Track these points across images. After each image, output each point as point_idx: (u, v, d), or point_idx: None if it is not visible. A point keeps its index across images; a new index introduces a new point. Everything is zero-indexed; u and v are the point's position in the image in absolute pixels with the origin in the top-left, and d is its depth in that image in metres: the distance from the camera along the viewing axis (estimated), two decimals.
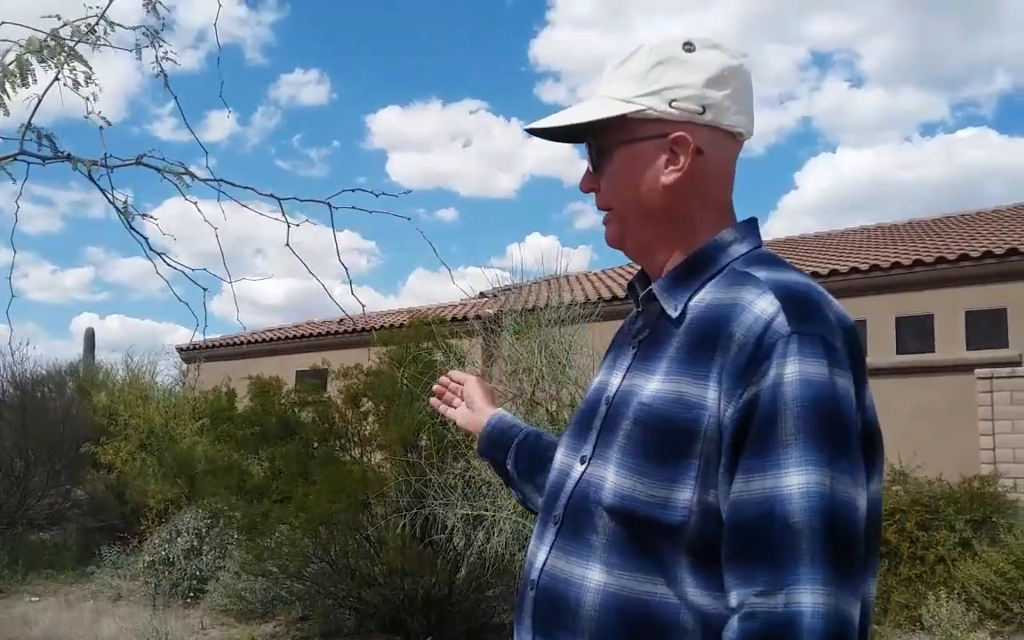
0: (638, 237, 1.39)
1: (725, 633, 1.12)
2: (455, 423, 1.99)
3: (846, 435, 1.14)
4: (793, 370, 1.13)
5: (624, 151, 1.35)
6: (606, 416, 1.33)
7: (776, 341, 1.15)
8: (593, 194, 1.42)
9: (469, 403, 1.93)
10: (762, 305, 1.19)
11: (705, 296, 1.28)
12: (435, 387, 2.02)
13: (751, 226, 1.37)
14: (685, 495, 1.17)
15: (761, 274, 1.25)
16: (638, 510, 1.20)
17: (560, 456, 1.42)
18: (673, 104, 1.30)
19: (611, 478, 1.25)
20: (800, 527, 1.09)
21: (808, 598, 1.07)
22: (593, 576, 1.24)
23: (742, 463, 1.14)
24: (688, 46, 1.32)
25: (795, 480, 1.10)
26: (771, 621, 1.08)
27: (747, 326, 1.18)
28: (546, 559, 1.32)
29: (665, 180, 1.31)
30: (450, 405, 1.98)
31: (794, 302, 1.19)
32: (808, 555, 1.08)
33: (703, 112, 1.30)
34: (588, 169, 1.41)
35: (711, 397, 1.18)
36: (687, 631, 1.17)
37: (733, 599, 1.13)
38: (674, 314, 1.30)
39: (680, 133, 1.30)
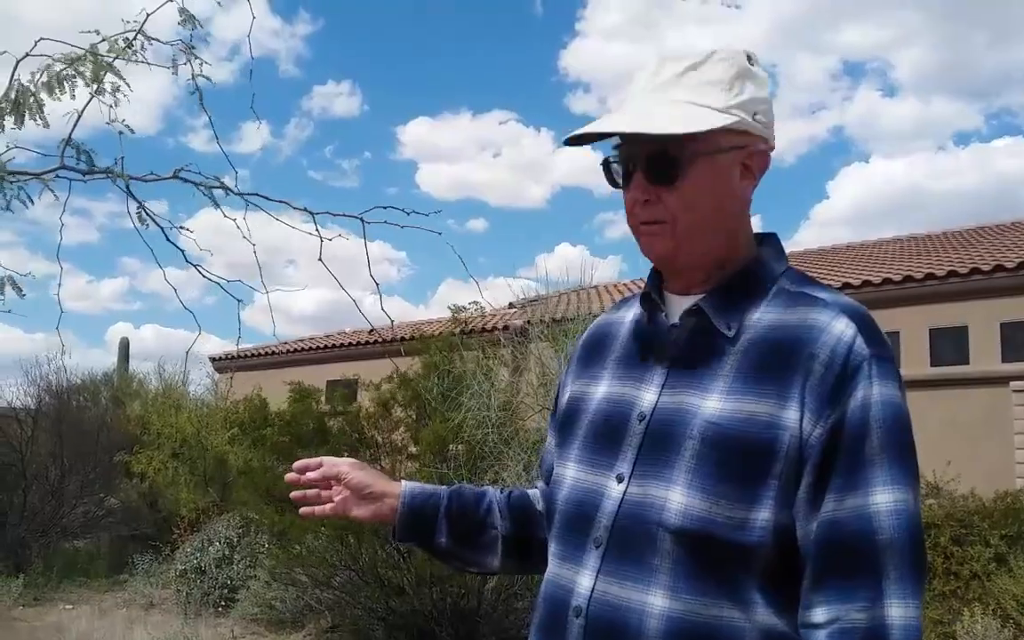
0: (699, 250, 1.32)
1: None
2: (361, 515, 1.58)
3: (914, 454, 1.20)
4: (878, 392, 1.17)
5: (706, 162, 1.28)
6: (647, 433, 1.28)
7: (861, 363, 1.18)
8: (637, 204, 1.32)
9: (360, 490, 1.57)
10: (839, 327, 1.21)
11: (763, 316, 1.27)
12: (290, 479, 1.61)
13: (779, 243, 1.38)
14: (763, 515, 1.17)
15: (823, 295, 1.27)
16: (715, 532, 1.18)
17: (575, 472, 1.36)
18: (756, 118, 1.29)
19: (679, 499, 1.20)
20: (891, 544, 1.14)
21: (898, 611, 1.13)
22: (656, 601, 1.20)
23: (833, 482, 1.16)
24: (751, 59, 1.32)
25: (883, 498, 1.15)
26: (869, 634, 1.12)
27: (830, 348, 1.19)
28: (593, 585, 1.25)
29: (743, 194, 1.32)
30: (317, 501, 1.60)
31: (865, 324, 1.22)
32: (898, 570, 1.14)
33: (770, 126, 1.33)
34: (640, 178, 1.30)
35: (791, 417, 1.18)
36: None
37: (822, 614, 1.15)
38: (730, 333, 1.27)
39: (763, 147, 1.31)
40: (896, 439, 1.17)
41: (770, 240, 1.37)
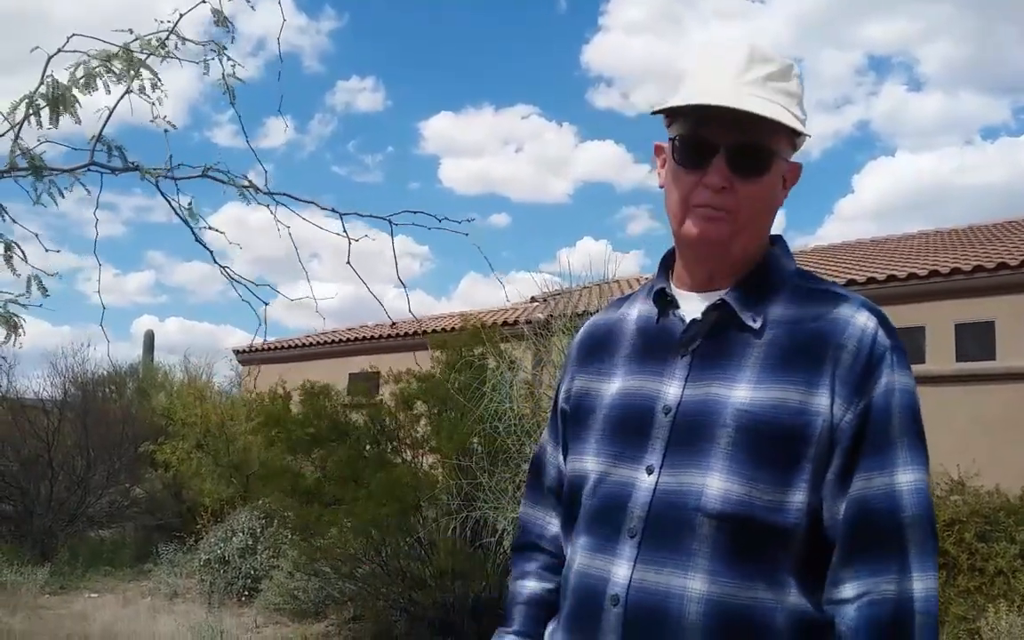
0: (747, 243, 1.39)
1: (842, 622, 1.22)
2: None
3: (925, 438, 1.30)
4: (899, 380, 1.28)
5: (777, 165, 1.38)
6: (674, 425, 1.32)
7: (884, 352, 1.28)
8: (708, 190, 1.33)
9: None
10: (863, 320, 1.30)
11: (785, 310, 1.35)
12: None
13: (786, 245, 1.47)
14: (799, 498, 1.25)
15: (842, 291, 1.37)
16: (755, 515, 1.24)
17: (598, 466, 1.38)
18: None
19: (718, 485, 1.26)
20: (913, 521, 1.23)
21: (919, 584, 1.22)
22: (695, 586, 1.24)
23: (862, 462, 1.25)
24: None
25: (905, 478, 1.24)
26: (898, 606, 1.21)
27: (857, 338, 1.29)
28: (631, 574, 1.28)
29: (780, 201, 1.42)
30: None
31: (883, 319, 1.32)
32: (918, 546, 1.23)
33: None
34: (722, 164, 1.32)
35: (823, 403, 1.26)
36: (781, 633, 1.23)
37: (851, 590, 1.23)
38: (756, 325, 1.34)
39: (799, 162, 1.42)
40: (912, 424, 1.27)
41: (779, 241, 1.46)
